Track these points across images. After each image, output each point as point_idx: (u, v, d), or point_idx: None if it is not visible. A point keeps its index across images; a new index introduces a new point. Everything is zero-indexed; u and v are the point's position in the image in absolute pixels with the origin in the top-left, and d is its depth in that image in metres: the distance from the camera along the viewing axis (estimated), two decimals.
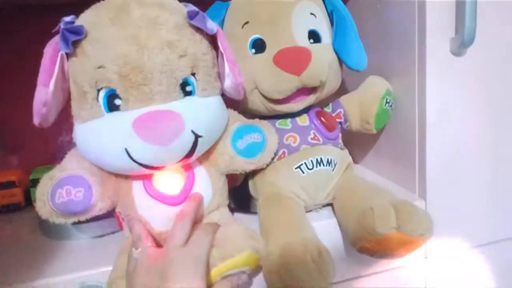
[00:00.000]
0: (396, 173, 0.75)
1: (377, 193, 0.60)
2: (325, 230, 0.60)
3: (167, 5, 0.50)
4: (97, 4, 0.50)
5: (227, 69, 0.53)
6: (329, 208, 0.66)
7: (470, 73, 0.65)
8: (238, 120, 0.59)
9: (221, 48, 0.53)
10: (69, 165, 0.52)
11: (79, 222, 0.53)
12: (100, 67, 0.46)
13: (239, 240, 0.48)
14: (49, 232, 0.65)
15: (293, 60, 0.59)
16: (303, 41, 0.62)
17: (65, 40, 0.46)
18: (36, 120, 0.47)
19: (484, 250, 0.73)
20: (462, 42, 0.61)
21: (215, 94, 0.54)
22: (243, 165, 0.58)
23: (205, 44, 0.53)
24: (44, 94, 0.46)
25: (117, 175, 0.53)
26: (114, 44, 0.46)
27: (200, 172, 0.56)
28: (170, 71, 0.48)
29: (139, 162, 0.47)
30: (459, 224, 0.70)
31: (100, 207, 0.52)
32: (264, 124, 0.61)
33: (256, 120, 0.61)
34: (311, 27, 0.63)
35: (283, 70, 0.58)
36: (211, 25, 0.52)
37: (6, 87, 0.87)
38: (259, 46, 0.62)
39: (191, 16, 0.50)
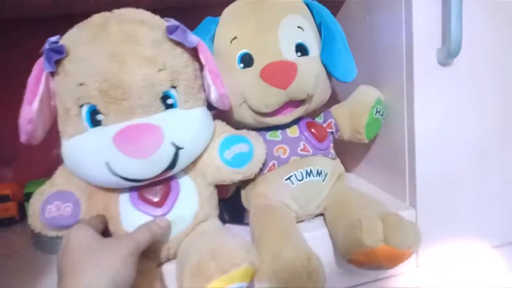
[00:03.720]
0: (387, 182, 0.74)
1: (366, 204, 0.59)
2: (317, 240, 0.60)
3: (146, 21, 0.52)
4: (80, 24, 0.51)
5: (210, 81, 0.54)
6: (322, 218, 0.66)
7: (457, 83, 0.65)
8: (225, 130, 0.60)
9: (203, 61, 0.54)
10: (58, 180, 0.54)
11: None
12: (81, 84, 0.48)
13: (236, 253, 0.48)
14: (43, 246, 0.65)
15: (279, 74, 0.59)
16: (290, 54, 0.62)
17: (48, 59, 0.48)
18: (23, 137, 0.49)
19: (475, 257, 0.72)
20: (448, 53, 0.61)
21: (198, 106, 0.55)
22: (230, 175, 0.58)
23: (186, 57, 0.54)
24: (29, 112, 0.47)
25: (105, 189, 0.54)
26: (93, 61, 0.48)
27: (186, 182, 0.56)
28: (149, 86, 0.49)
29: (121, 175, 0.48)
30: (450, 232, 0.69)
31: None
32: (252, 135, 0.61)
33: (244, 131, 0.61)
34: (298, 40, 0.63)
35: (270, 84, 0.58)
36: (192, 39, 0.53)
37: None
38: (247, 61, 0.62)
39: (171, 30, 0.51)
